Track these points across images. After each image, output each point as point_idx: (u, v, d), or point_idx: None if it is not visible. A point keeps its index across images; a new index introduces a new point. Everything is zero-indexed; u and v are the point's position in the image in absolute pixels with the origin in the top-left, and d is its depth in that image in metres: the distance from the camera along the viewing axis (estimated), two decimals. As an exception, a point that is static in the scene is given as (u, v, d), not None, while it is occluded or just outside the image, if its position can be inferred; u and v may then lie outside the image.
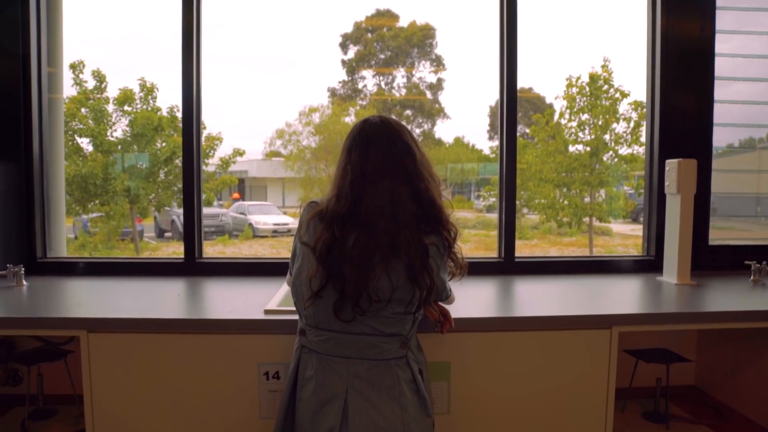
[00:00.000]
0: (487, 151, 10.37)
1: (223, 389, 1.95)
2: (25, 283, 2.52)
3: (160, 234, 9.67)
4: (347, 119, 9.59)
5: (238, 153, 7.66)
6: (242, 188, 11.13)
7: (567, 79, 7.72)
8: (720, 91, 2.95)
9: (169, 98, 7.10)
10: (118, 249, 7.68)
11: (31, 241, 2.84)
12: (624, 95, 7.64)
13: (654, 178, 2.99)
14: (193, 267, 2.87)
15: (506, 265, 2.92)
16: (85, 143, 6.96)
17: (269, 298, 2.20)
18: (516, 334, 2.00)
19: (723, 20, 2.94)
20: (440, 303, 1.81)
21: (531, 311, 2.11)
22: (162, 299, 2.37)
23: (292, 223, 9.73)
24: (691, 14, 2.90)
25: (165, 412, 1.96)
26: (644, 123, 7.49)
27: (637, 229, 9.54)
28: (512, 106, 2.90)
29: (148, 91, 7.11)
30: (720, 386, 2.74)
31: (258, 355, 1.94)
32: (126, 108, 7.06)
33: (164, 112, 7.14)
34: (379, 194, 1.51)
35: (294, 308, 1.65)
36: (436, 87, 10.93)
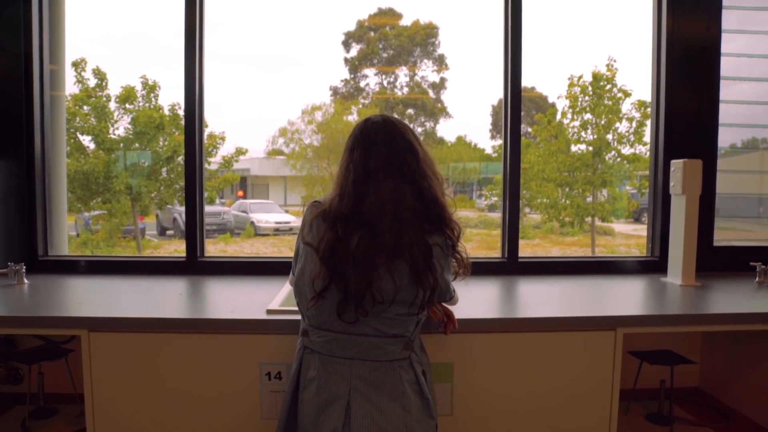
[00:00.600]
0: (489, 150, 10.38)
1: (225, 389, 1.93)
2: (26, 281, 2.51)
3: (162, 232, 9.69)
4: (349, 118, 9.58)
5: (241, 152, 7.66)
6: (244, 186, 11.14)
7: (569, 79, 7.71)
8: (723, 91, 2.93)
9: (172, 96, 7.10)
10: (119, 247, 7.69)
11: (33, 239, 2.83)
12: (627, 95, 7.63)
13: (658, 178, 2.97)
14: (195, 266, 2.85)
15: (509, 266, 2.90)
16: (87, 141, 6.96)
17: (271, 298, 2.18)
18: (520, 335, 1.98)
19: (728, 20, 2.92)
20: (444, 304, 1.79)
21: (535, 312, 2.09)
22: (163, 298, 2.36)
23: (294, 221, 9.74)
24: (696, 13, 2.87)
25: (166, 413, 1.94)
26: (647, 123, 7.51)
27: (639, 229, 9.54)
28: (516, 106, 2.89)
29: (150, 88, 7.10)
30: (724, 388, 2.73)
31: (260, 356, 1.93)
32: (128, 106, 7.06)
33: (166, 110, 7.13)
34: (382, 193, 1.49)
35: (296, 308, 1.64)
36: (439, 86, 10.92)
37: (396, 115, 1.69)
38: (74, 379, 2.43)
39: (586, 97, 7.70)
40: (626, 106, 7.67)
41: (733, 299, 2.37)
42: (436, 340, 1.88)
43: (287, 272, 1.86)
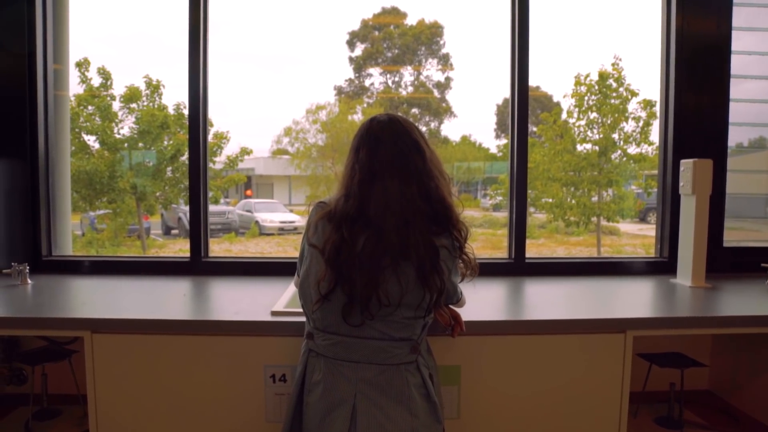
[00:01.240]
0: (494, 150, 10.34)
1: (229, 392, 1.91)
2: (29, 281, 2.49)
3: (167, 231, 9.68)
4: (354, 117, 9.56)
5: (246, 152, 7.64)
6: (249, 186, 11.13)
7: (575, 78, 7.67)
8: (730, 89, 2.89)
9: (176, 96, 7.09)
10: (125, 246, 7.69)
11: (36, 239, 2.82)
12: (633, 94, 7.58)
13: (667, 178, 2.93)
14: (199, 266, 2.83)
15: (516, 266, 2.87)
16: (92, 140, 6.96)
17: (276, 299, 2.16)
18: (527, 338, 1.95)
19: (737, 17, 2.88)
20: (451, 306, 1.77)
21: (543, 314, 2.06)
22: (167, 299, 2.34)
23: (299, 221, 9.73)
24: (706, 10, 2.84)
25: (169, 415, 1.92)
26: (653, 122, 7.47)
27: (645, 229, 9.50)
28: (523, 105, 2.86)
29: (154, 88, 7.10)
30: (735, 391, 2.69)
31: (264, 358, 1.90)
32: (132, 105, 7.05)
33: (171, 110, 7.13)
34: (388, 194, 1.47)
35: (301, 310, 1.61)
36: (444, 85, 10.88)
37: (401, 114, 1.66)
38: (78, 380, 2.42)
39: (593, 96, 7.65)
40: (632, 106, 7.62)
41: (744, 301, 2.34)
42: (442, 343, 1.85)
43: (292, 273, 1.83)
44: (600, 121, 7.66)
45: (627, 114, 7.61)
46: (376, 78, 10.97)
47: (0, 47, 2.74)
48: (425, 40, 10.74)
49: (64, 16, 3.00)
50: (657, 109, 3.04)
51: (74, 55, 6.60)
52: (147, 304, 2.24)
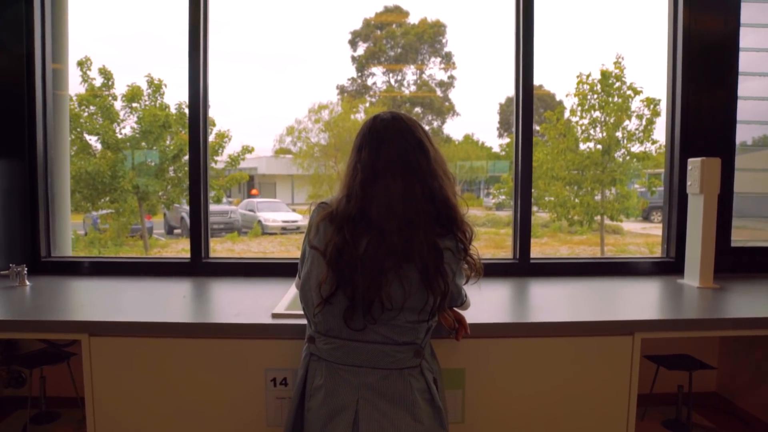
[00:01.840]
0: (496, 149, 10.31)
1: (229, 396, 1.88)
2: (28, 283, 2.46)
3: (170, 231, 9.66)
4: (357, 116, 9.53)
5: (247, 150, 7.62)
6: (251, 185, 11.13)
7: (578, 76, 7.63)
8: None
9: (178, 95, 7.08)
10: (127, 246, 7.69)
11: (35, 240, 2.79)
12: (636, 92, 7.53)
13: (674, 176, 2.89)
14: (200, 267, 2.80)
15: (521, 267, 2.83)
16: (94, 140, 6.95)
17: (277, 301, 2.13)
18: (533, 340, 1.92)
19: (745, 13, 2.83)
20: (455, 309, 1.73)
21: (549, 316, 2.02)
22: (167, 301, 2.30)
23: (301, 220, 9.72)
24: (714, 7, 2.79)
25: (169, 419, 1.89)
26: (657, 120, 7.42)
27: (648, 228, 9.47)
28: (528, 104, 2.82)
29: (156, 87, 7.08)
30: (743, 393, 2.65)
31: (265, 361, 1.87)
32: (134, 105, 7.04)
33: (173, 109, 7.11)
34: (391, 194, 1.43)
35: (302, 312, 1.58)
36: (447, 84, 10.85)
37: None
38: (76, 383, 2.38)
39: (595, 95, 7.61)
40: (636, 104, 7.58)
41: (753, 302, 2.30)
42: (446, 346, 1.82)
43: (293, 274, 1.80)
44: (603, 119, 7.63)
45: (630, 112, 7.57)
46: (378, 77, 10.95)
47: (-2, 46, 2.71)
48: (428, 39, 10.70)
49: (63, 15, 2.97)
50: (663, 107, 3.01)
51: (76, 54, 6.62)
52: (146, 306, 2.21)
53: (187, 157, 6.70)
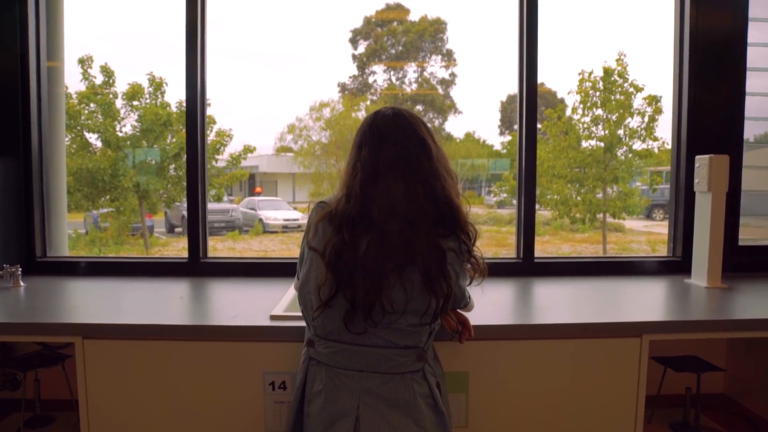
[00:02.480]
0: (498, 147, 10.28)
1: (226, 400, 1.83)
2: (22, 284, 2.42)
3: (171, 229, 9.64)
4: (358, 114, 9.51)
5: (249, 150, 7.59)
6: (253, 183, 11.10)
7: (579, 74, 7.58)
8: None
9: (179, 93, 7.04)
10: (128, 244, 7.67)
11: (30, 240, 2.74)
12: (638, 89, 7.49)
13: (681, 174, 2.84)
14: (198, 267, 2.76)
15: (525, 266, 2.78)
16: (94, 139, 6.92)
17: (276, 302, 2.08)
18: (538, 343, 1.87)
19: (753, 8, 2.78)
20: (458, 310, 1.68)
21: (554, 317, 1.97)
22: (163, 303, 2.26)
23: (302, 218, 9.68)
24: (722, 2, 2.73)
25: (164, 425, 1.85)
26: (659, 117, 7.37)
27: (650, 225, 9.43)
28: (532, 101, 2.76)
29: (157, 86, 7.05)
30: (752, 395, 2.59)
31: (263, 364, 1.82)
32: (135, 103, 7.00)
33: (174, 107, 7.07)
34: (392, 195, 1.38)
35: (301, 314, 1.53)
36: (448, 82, 10.80)
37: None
38: (71, 385, 2.34)
39: (597, 93, 7.57)
40: (638, 101, 7.53)
41: (763, 302, 2.25)
42: (449, 348, 1.77)
43: (293, 274, 1.75)
44: (605, 117, 7.58)
45: (632, 110, 7.53)
46: (379, 75, 10.91)
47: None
48: (429, 37, 10.66)
49: (59, 11, 2.91)
50: (669, 104, 2.94)
51: (78, 53, 6.60)
52: (142, 307, 2.16)
53: (186, 156, 6.70)
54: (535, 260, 2.79)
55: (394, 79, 11.06)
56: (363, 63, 10.76)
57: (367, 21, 10.65)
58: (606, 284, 2.59)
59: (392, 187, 1.38)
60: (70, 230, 7.74)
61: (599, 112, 7.60)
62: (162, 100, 7.11)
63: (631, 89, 7.52)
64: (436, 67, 10.88)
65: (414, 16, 10.61)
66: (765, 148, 3.07)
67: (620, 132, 7.61)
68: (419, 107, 10.55)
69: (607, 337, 1.88)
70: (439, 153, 1.49)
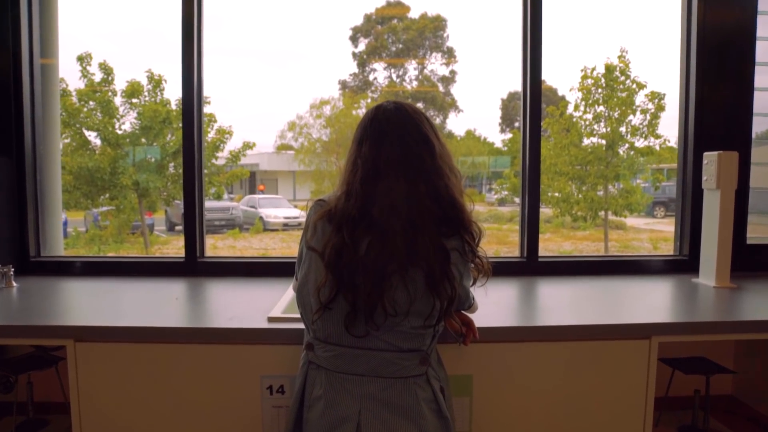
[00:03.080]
0: (498, 144, 10.25)
1: (223, 404, 1.78)
2: (15, 284, 2.37)
3: (171, 227, 9.60)
4: (359, 111, 9.47)
5: (248, 146, 7.54)
6: (253, 181, 11.08)
7: (582, 71, 7.53)
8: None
9: (179, 91, 7.01)
10: (128, 243, 7.65)
11: (24, 239, 2.68)
12: (641, 86, 7.44)
13: (688, 171, 2.78)
14: (195, 267, 2.70)
15: (529, 266, 2.73)
16: (93, 137, 6.89)
17: (274, 303, 2.03)
18: (544, 345, 1.81)
19: (762, 2, 2.71)
20: (462, 311, 1.63)
21: (560, 319, 1.91)
22: (158, 304, 2.20)
23: (303, 216, 9.65)
24: (730, -3, 2.68)
25: (159, 429, 1.79)
26: (661, 114, 7.32)
27: (652, 223, 9.39)
28: (536, 99, 2.70)
29: (156, 83, 7.00)
30: (762, 397, 2.54)
31: (261, 367, 1.77)
32: (134, 101, 6.96)
33: (173, 105, 7.03)
34: (393, 193, 1.32)
35: (299, 316, 1.47)
36: (449, 80, 10.76)
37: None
38: (65, 388, 2.28)
39: (599, 90, 7.51)
40: (640, 98, 7.48)
41: (773, 302, 2.19)
42: (453, 351, 1.71)
43: (292, 273, 1.69)
44: (607, 114, 7.53)
45: (634, 107, 7.48)
46: (380, 72, 10.87)
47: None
48: (429, 34, 10.61)
49: (53, 8, 2.86)
50: (675, 100, 2.88)
51: (77, 50, 6.56)
52: (136, 309, 2.11)
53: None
54: (540, 259, 2.74)
55: (394, 76, 11.03)
56: (363, 60, 10.73)
57: (368, 18, 10.61)
58: (613, 284, 2.54)
59: (394, 186, 1.33)
60: (70, 228, 7.72)
61: (601, 109, 7.55)
62: (161, 97, 7.07)
63: (634, 86, 7.48)
64: (436, 65, 10.84)
65: (414, 13, 10.58)
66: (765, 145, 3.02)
67: (622, 129, 7.56)
68: (420, 105, 10.51)
69: (615, 339, 1.82)
70: (443, 150, 1.43)
